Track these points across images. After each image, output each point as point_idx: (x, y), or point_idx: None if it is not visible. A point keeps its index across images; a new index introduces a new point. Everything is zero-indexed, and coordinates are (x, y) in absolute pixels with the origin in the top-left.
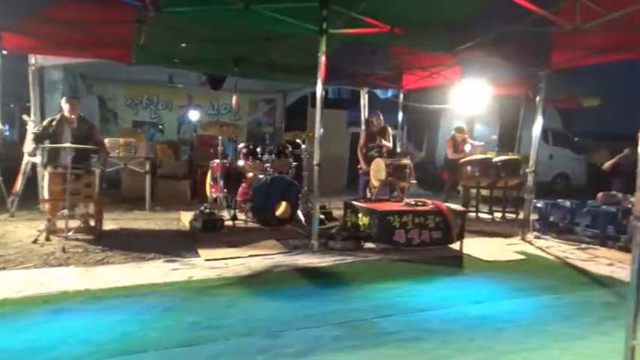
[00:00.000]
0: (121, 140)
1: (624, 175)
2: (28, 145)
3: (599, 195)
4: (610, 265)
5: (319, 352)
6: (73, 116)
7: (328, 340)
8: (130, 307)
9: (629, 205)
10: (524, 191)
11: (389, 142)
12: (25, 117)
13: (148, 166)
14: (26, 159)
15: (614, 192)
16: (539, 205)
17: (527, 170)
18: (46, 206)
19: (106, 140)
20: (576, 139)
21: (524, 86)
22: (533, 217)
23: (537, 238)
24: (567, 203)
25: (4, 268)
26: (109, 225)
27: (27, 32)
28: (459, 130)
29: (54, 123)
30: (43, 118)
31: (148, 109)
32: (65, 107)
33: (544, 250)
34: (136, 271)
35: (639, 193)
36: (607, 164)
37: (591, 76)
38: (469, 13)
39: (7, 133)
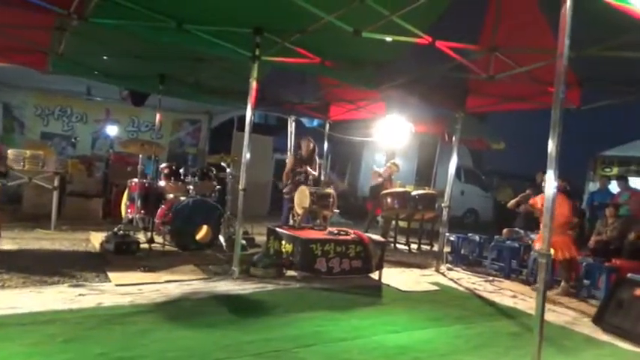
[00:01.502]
0: (28, 152)
1: (526, 213)
2: None
3: (504, 231)
4: (514, 297)
5: None
6: None
7: None
8: (28, 337)
9: (529, 241)
10: (438, 224)
11: (315, 170)
12: None
13: (56, 182)
14: None
15: (517, 228)
16: (451, 238)
17: (442, 205)
18: None
19: (10, 152)
20: (484, 177)
21: (441, 126)
22: (446, 249)
23: (449, 269)
24: (477, 238)
25: None
26: (6, 244)
27: None
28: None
29: None
30: None
31: (60, 121)
32: None
33: (455, 282)
34: (35, 297)
35: (545, 231)
36: (511, 202)
37: (499, 121)
38: (396, 54)
39: None
